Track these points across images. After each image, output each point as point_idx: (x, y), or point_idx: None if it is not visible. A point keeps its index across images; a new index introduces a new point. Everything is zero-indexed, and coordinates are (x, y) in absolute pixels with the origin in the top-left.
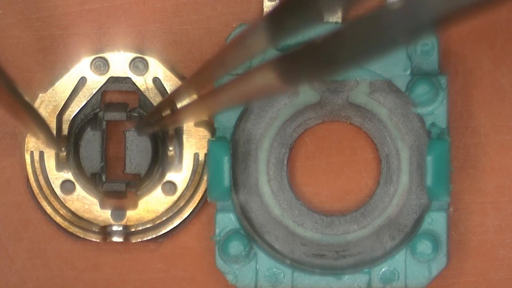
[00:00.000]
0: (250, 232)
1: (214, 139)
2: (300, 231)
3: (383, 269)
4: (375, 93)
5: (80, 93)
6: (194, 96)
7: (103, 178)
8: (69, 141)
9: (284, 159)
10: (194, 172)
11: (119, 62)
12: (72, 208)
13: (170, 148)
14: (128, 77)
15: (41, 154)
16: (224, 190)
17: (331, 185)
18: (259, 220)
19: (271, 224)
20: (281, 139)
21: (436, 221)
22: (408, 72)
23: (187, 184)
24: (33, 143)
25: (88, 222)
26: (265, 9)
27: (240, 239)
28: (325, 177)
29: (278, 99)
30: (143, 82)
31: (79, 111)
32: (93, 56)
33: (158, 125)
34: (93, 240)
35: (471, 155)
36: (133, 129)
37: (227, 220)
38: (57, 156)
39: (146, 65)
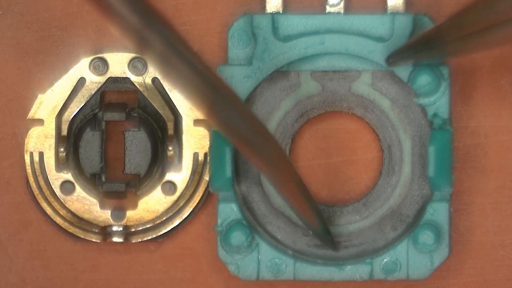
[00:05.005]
0: (252, 222)
1: (216, 129)
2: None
3: (385, 260)
4: (377, 84)
5: (79, 94)
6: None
7: (103, 178)
8: (68, 141)
9: (286, 150)
10: (193, 171)
11: (118, 63)
12: (72, 208)
13: (170, 148)
14: (127, 77)
15: (41, 154)
16: (226, 181)
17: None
18: (261, 210)
19: (273, 214)
20: (283, 129)
21: (438, 211)
22: None
23: (187, 184)
24: (32, 144)
25: (88, 222)
26: (267, 9)
27: (242, 230)
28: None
29: (280, 89)
30: (142, 82)
31: (78, 111)
32: (92, 57)
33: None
34: (93, 240)
35: (471, 155)
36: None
37: (229, 211)
38: (57, 157)
39: (145, 65)
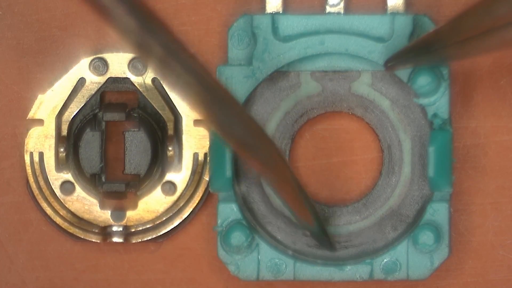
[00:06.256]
0: (252, 222)
1: (214, 131)
2: None
3: (385, 260)
4: (377, 84)
5: (79, 94)
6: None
7: (103, 178)
8: (68, 141)
9: (286, 150)
10: (193, 172)
11: (118, 63)
12: (72, 209)
13: (170, 148)
14: (127, 78)
15: (41, 155)
16: (226, 181)
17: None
18: (261, 210)
19: (273, 214)
20: (283, 129)
21: (438, 212)
22: None
23: (187, 184)
24: (32, 144)
25: (88, 222)
26: (267, 9)
27: (242, 230)
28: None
29: (280, 90)
30: (142, 82)
31: (78, 111)
32: (92, 57)
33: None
34: (93, 240)
35: (471, 156)
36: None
37: (229, 211)
38: (57, 157)
39: (145, 65)
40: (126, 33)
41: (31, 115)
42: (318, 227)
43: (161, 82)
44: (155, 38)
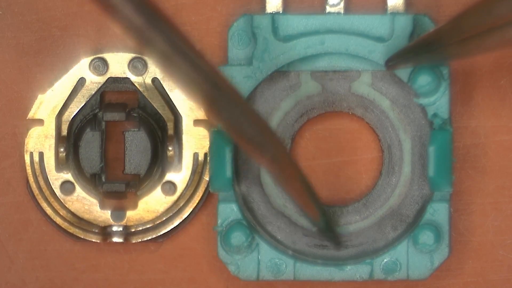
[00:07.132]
0: (252, 222)
1: (216, 129)
2: (302, 222)
3: (385, 260)
4: (377, 84)
5: (79, 94)
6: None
7: (103, 178)
8: (68, 141)
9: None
10: (193, 172)
11: (118, 63)
12: (72, 208)
13: (170, 148)
14: (127, 77)
15: (41, 155)
16: (226, 181)
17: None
18: (261, 210)
19: (273, 214)
20: (283, 129)
21: (438, 211)
22: None
23: (187, 184)
24: (32, 144)
25: (88, 222)
26: (267, 9)
27: (242, 230)
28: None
29: (280, 89)
30: (142, 82)
31: (78, 111)
32: (92, 57)
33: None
34: (93, 240)
35: (471, 155)
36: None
37: (229, 211)
38: (57, 157)
39: (145, 65)
40: (130, 29)
41: (31, 115)
42: (324, 224)
43: (162, 80)
44: (161, 35)
